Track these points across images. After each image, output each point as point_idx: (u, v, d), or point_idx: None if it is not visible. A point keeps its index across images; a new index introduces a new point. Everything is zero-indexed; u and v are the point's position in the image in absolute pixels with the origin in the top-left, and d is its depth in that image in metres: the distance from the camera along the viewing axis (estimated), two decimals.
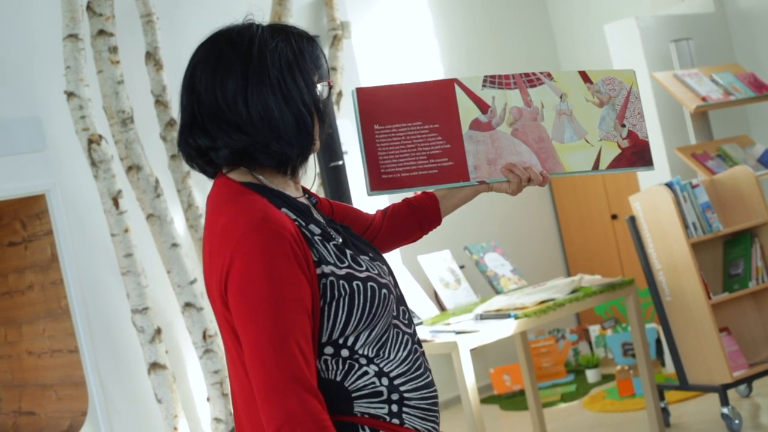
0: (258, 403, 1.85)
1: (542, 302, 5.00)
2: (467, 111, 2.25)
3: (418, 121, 2.22)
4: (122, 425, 4.95)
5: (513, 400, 7.15)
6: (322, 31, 5.86)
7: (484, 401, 7.31)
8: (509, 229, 8.10)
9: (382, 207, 2.43)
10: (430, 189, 2.27)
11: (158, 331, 4.79)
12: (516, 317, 4.80)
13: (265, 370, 1.83)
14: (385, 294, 1.98)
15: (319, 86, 2.04)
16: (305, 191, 2.14)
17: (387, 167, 2.18)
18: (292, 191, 2.05)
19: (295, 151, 1.99)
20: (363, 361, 1.96)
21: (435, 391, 2.06)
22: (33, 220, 5.21)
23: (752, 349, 5.73)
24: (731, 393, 5.98)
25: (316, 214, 2.07)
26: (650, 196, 5.57)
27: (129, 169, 4.83)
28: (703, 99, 6.44)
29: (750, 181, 5.68)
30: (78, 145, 4.82)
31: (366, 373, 1.96)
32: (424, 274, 5.70)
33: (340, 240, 2.03)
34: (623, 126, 2.33)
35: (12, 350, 5.85)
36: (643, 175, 7.14)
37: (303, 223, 1.97)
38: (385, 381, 1.97)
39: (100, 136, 4.73)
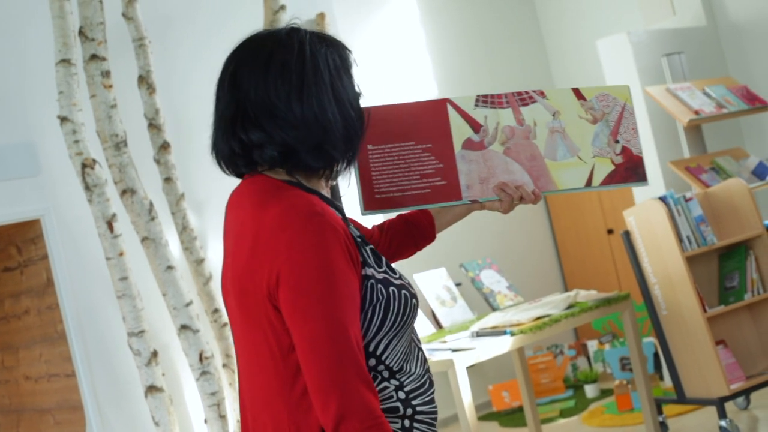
0: (315, 398, 1.86)
1: (538, 318, 5.00)
2: (460, 130, 2.26)
3: (410, 141, 2.23)
4: None
5: (512, 417, 7.15)
6: None
7: (483, 418, 7.30)
8: (505, 245, 8.11)
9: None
10: (422, 208, 2.29)
11: (154, 354, 4.78)
12: (512, 334, 4.80)
13: (326, 363, 1.84)
14: (414, 304, 2.01)
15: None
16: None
17: (380, 187, 2.20)
18: (326, 194, 2.07)
19: (341, 155, 2.02)
20: (386, 374, 1.98)
21: (436, 406, 2.09)
22: (28, 245, 5.21)
23: (749, 362, 5.73)
24: (729, 406, 5.98)
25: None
26: (644, 210, 5.58)
27: (123, 192, 4.83)
28: (696, 112, 6.46)
29: (744, 194, 5.69)
30: (72, 170, 4.83)
31: (386, 387, 1.98)
32: (420, 292, 5.71)
33: (372, 245, 2.06)
34: (617, 142, 2.33)
35: (9, 375, 5.84)
36: (637, 189, 7.16)
37: (346, 224, 2.00)
38: (401, 395, 1.99)
39: (94, 161, 4.73)
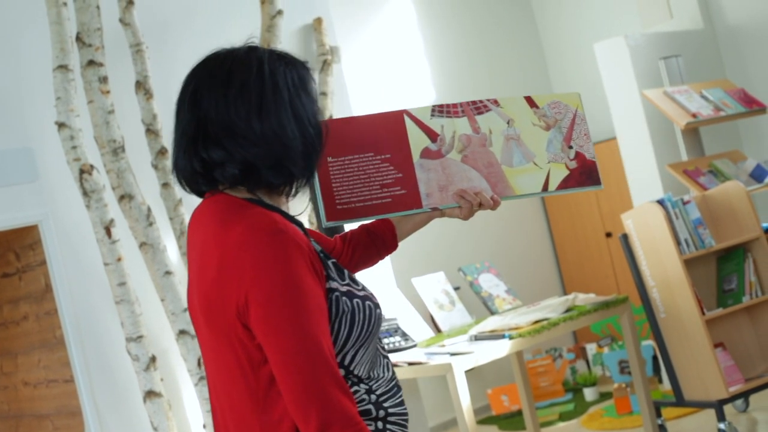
0: (295, 411, 1.88)
1: (536, 322, 5.00)
2: (417, 140, 2.32)
3: (370, 152, 2.29)
4: None
5: (511, 421, 7.15)
6: (311, 57, 5.89)
7: (482, 422, 7.30)
8: (504, 249, 8.11)
9: None
10: (384, 217, 2.35)
11: (153, 359, 4.79)
12: (510, 337, 4.80)
13: (303, 376, 1.86)
14: (379, 313, 2.05)
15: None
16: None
17: (342, 198, 2.25)
18: (286, 210, 2.10)
19: (300, 171, 2.04)
20: (354, 380, 2.02)
21: (406, 409, 2.13)
22: (26, 250, 5.21)
23: (748, 364, 5.73)
24: (728, 408, 5.99)
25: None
26: (642, 214, 5.58)
27: (121, 198, 4.83)
28: (694, 115, 6.46)
29: (741, 196, 5.69)
30: (70, 176, 4.83)
31: (357, 391, 2.02)
32: (418, 296, 5.71)
33: (335, 258, 2.10)
34: (570, 148, 2.40)
35: (8, 381, 5.84)
36: (635, 193, 7.16)
37: (309, 239, 2.03)
38: (373, 398, 2.03)
39: (92, 166, 4.74)
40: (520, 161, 2.36)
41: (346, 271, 2.05)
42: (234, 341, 1.96)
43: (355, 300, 2.01)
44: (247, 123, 1.98)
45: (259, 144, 1.98)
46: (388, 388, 2.07)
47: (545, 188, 2.37)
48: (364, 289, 2.06)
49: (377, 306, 2.06)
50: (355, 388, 2.01)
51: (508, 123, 2.37)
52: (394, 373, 2.12)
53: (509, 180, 2.35)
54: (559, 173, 2.38)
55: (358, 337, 2.00)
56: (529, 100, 2.41)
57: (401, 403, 2.10)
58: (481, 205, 2.31)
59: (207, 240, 2.02)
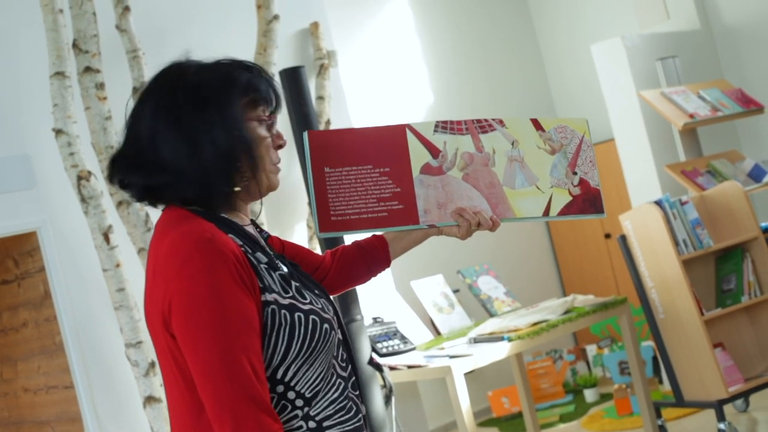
0: (213, 424, 1.84)
1: (535, 324, 5.01)
2: (418, 155, 2.27)
3: (368, 165, 2.22)
4: None
5: (512, 423, 7.15)
6: (308, 61, 5.89)
7: (483, 424, 7.30)
8: (503, 251, 8.11)
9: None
10: (379, 231, 2.28)
11: (152, 364, 4.79)
12: (509, 340, 4.80)
13: (217, 390, 1.82)
14: (326, 329, 1.98)
15: (254, 120, 2.05)
16: (257, 226, 2.15)
17: (336, 209, 2.18)
18: (240, 221, 2.06)
19: (219, 183, 1.99)
20: (299, 402, 1.96)
21: None
22: (25, 257, 5.21)
23: (747, 364, 5.73)
24: (728, 408, 5.98)
25: (263, 245, 2.07)
26: (640, 215, 5.59)
27: (119, 204, 4.84)
28: (691, 116, 6.46)
29: (739, 196, 5.69)
30: (67, 182, 4.84)
31: (295, 416, 1.95)
32: (417, 299, 5.71)
33: (286, 270, 2.03)
34: (575, 174, 2.36)
35: (8, 388, 5.84)
36: (633, 194, 7.17)
37: (249, 250, 1.97)
38: (312, 424, 1.97)
39: (89, 172, 4.74)
40: (523, 184, 2.32)
41: (294, 285, 2.00)
42: (167, 354, 1.93)
43: (296, 314, 1.94)
44: (148, 146, 2.00)
45: (148, 166, 1.98)
46: (333, 411, 2.00)
47: (546, 213, 2.32)
48: (311, 303, 1.99)
49: (324, 321, 1.98)
50: (295, 413, 1.95)
51: (512, 144, 2.33)
52: (346, 397, 2.05)
53: (510, 202, 2.30)
54: (562, 199, 2.34)
55: (300, 353, 1.93)
56: (536, 123, 2.36)
57: (355, 430, 2.03)
58: (479, 225, 2.25)
59: (150, 251, 2.01)
